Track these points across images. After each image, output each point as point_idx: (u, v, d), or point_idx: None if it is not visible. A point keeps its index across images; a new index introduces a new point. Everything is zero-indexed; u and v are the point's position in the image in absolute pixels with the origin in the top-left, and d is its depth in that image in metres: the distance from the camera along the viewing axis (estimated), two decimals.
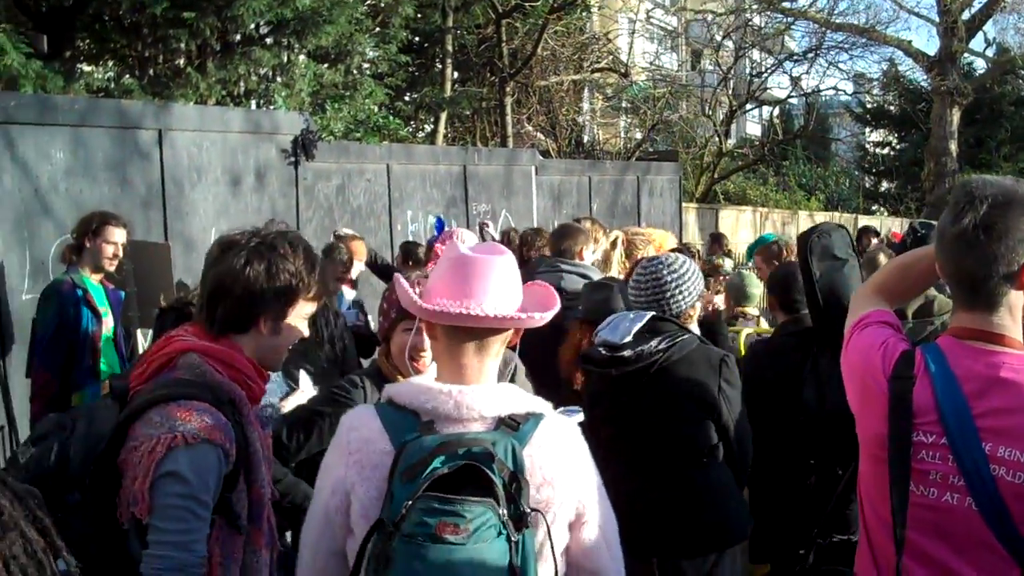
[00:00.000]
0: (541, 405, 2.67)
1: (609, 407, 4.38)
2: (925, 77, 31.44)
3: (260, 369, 3.04)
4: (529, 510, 2.43)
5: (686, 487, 4.28)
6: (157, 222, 8.94)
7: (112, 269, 6.57)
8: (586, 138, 28.05)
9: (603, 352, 4.32)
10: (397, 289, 2.78)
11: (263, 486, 2.95)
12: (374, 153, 12.71)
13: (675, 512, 4.24)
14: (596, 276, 6.34)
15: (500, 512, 2.36)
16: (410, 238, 11.99)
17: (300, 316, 3.07)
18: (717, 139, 30.28)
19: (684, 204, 21.29)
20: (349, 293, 7.95)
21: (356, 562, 2.51)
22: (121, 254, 6.55)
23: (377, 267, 9.30)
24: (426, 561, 2.33)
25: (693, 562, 4.27)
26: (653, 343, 4.25)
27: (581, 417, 3.83)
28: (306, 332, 3.13)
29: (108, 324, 6.51)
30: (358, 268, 8.42)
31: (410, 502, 2.36)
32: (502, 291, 2.64)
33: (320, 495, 2.68)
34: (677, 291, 4.43)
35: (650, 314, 4.34)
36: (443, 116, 20.19)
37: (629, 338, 4.27)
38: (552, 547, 2.53)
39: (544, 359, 5.43)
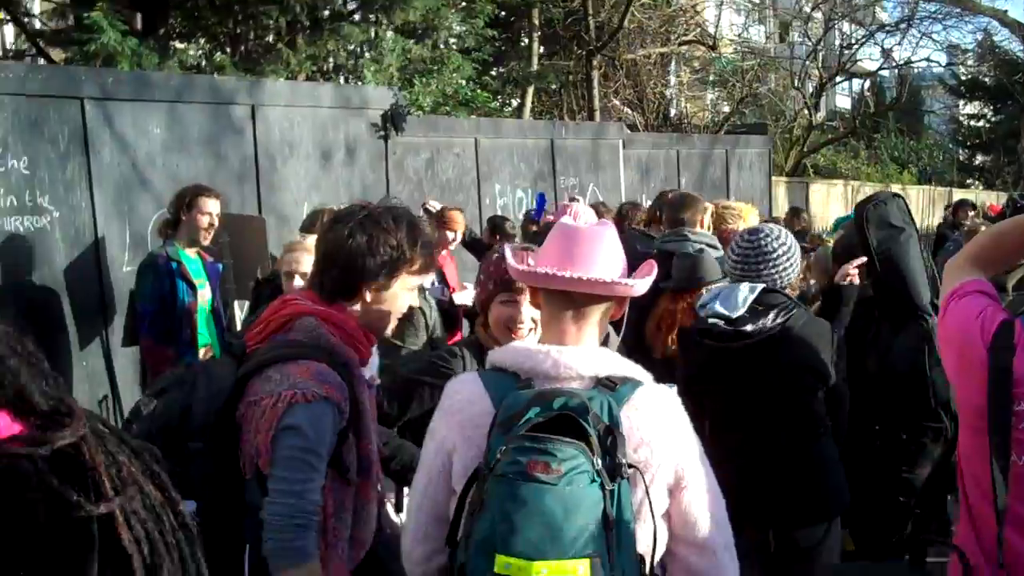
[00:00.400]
0: (641, 373, 2.67)
1: (720, 381, 4.37)
2: (1021, 47, 30.65)
3: (368, 334, 3.20)
4: (625, 463, 2.42)
5: (803, 458, 4.28)
6: (251, 196, 9.06)
7: (207, 241, 6.68)
8: (673, 111, 27.86)
9: (721, 325, 4.30)
10: (505, 255, 2.84)
11: (371, 443, 3.14)
12: (462, 127, 12.76)
13: (793, 483, 4.24)
14: (719, 245, 6.34)
15: (594, 460, 2.35)
16: (498, 212, 12.03)
17: (406, 288, 3.22)
18: (807, 112, 29.86)
19: (774, 178, 21.04)
20: None
21: (455, 515, 2.55)
22: (216, 224, 6.67)
23: (467, 241, 9.37)
24: (517, 499, 2.32)
25: (807, 531, 4.29)
26: (771, 316, 4.24)
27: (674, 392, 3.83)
28: (415, 302, 3.26)
29: (205, 296, 6.63)
30: (456, 238, 8.57)
31: (504, 447, 2.38)
32: (601, 260, 2.66)
33: (425, 459, 2.74)
34: (787, 261, 4.40)
35: (761, 286, 4.31)
36: (530, 90, 20.20)
37: (743, 310, 4.25)
38: (651, 508, 2.50)
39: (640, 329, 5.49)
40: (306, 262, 4.82)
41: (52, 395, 1.91)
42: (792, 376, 4.26)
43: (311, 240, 4.93)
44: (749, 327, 4.23)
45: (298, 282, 4.91)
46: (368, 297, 3.15)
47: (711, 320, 4.34)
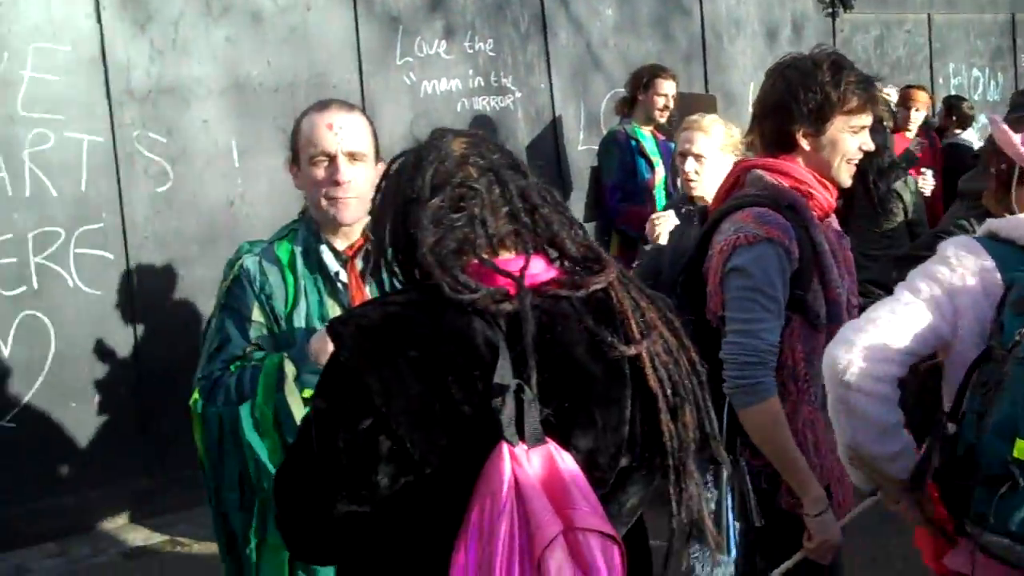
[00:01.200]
0: None
1: None
2: None
3: (823, 181, 3.19)
4: None
5: None
6: (698, 76, 9.11)
7: (663, 120, 6.83)
8: None
9: None
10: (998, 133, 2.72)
11: (839, 289, 3.13)
12: (914, 3, 12.11)
13: None
14: None
15: None
16: (952, 92, 11.42)
17: (846, 130, 3.14)
18: None
19: None
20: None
21: (961, 386, 2.45)
22: (671, 105, 6.80)
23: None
24: None
25: None
26: None
27: None
28: (869, 145, 3.19)
29: (660, 173, 6.78)
30: (918, 118, 8.29)
31: (1023, 329, 2.28)
32: None
33: (922, 295, 2.57)
34: None
35: None
36: None
37: None
38: None
39: None
40: (698, 141, 4.65)
41: (582, 243, 2.07)
42: None
43: (708, 120, 4.80)
44: None
45: (691, 164, 4.68)
46: (806, 145, 3.14)
47: None
